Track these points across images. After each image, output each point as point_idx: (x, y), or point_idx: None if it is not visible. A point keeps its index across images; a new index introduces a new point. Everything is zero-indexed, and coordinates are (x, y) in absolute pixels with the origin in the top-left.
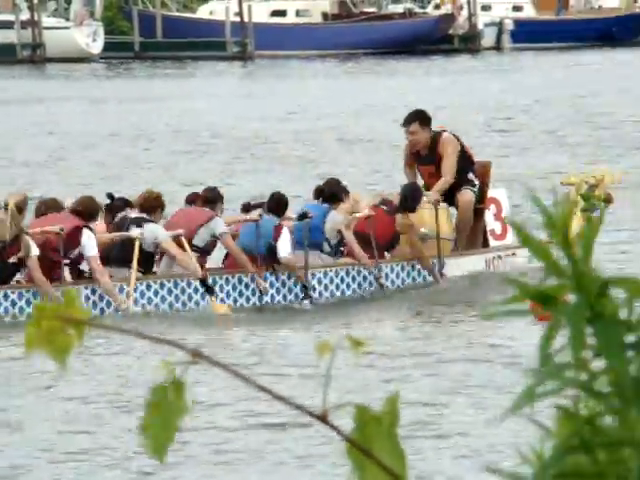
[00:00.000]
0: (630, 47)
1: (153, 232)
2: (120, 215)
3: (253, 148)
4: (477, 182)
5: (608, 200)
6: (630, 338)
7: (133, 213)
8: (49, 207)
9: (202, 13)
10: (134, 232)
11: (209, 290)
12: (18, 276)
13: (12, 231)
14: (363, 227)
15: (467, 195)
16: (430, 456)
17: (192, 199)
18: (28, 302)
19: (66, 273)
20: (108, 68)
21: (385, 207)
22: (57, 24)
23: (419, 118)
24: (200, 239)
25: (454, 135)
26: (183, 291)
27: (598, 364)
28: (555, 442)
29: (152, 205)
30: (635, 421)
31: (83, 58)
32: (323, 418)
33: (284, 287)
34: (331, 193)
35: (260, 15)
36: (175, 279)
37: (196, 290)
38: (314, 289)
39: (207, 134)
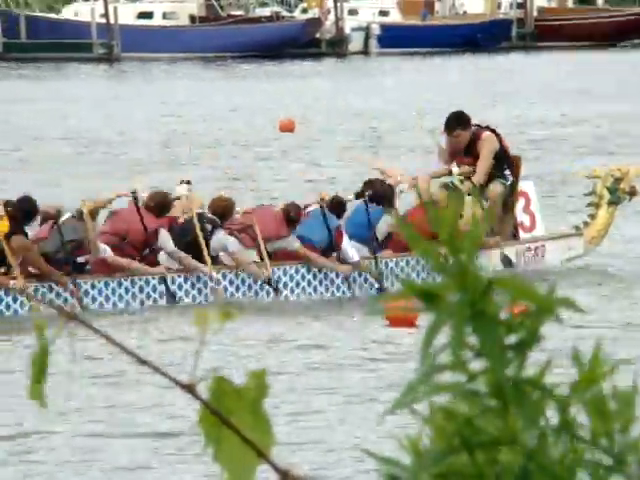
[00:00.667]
0: (494, 53)
1: (221, 242)
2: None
3: (115, 150)
4: (511, 178)
5: (632, 193)
6: (511, 339)
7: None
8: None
9: (67, 14)
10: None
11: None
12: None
13: (80, 234)
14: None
15: (497, 187)
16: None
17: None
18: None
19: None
20: None
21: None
22: None
23: (460, 123)
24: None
25: (493, 132)
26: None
27: (478, 364)
28: (434, 442)
29: (224, 212)
30: (514, 421)
31: None
32: (190, 388)
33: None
34: (381, 195)
35: (126, 17)
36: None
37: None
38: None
39: (68, 136)
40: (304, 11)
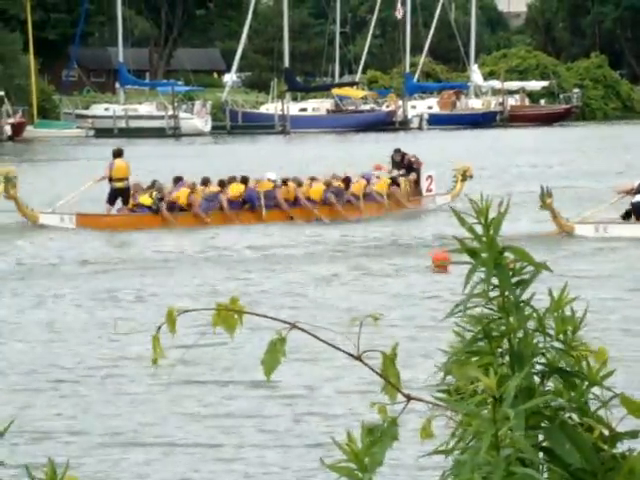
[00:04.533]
0: (487, 129)
1: None
2: None
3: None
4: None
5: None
6: (513, 279)
7: None
8: None
9: (263, 110)
10: None
11: None
12: None
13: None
14: None
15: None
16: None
17: None
18: None
19: None
20: (214, 139)
21: None
22: (187, 116)
23: None
24: None
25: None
26: None
27: (493, 293)
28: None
29: None
30: (513, 323)
31: (200, 133)
32: (359, 358)
33: None
34: None
35: (293, 110)
36: None
37: None
38: None
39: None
40: (387, 106)
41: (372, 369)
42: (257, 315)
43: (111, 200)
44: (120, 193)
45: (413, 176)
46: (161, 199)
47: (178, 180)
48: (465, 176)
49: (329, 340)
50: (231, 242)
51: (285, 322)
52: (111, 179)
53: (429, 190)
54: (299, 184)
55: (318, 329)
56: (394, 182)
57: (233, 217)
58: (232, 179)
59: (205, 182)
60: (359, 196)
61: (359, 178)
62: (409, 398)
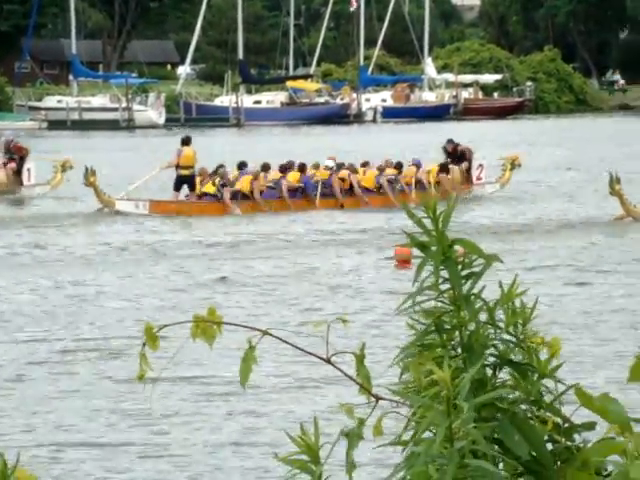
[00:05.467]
0: (441, 121)
1: None
2: None
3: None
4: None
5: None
6: (464, 272)
7: None
8: None
9: (217, 102)
10: None
11: None
12: None
13: None
14: None
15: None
16: None
17: None
18: None
19: None
20: (167, 131)
21: None
22: (141, 108)
23: None
24: None
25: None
26: None
27: (444, 286)
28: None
29: None
30: (464, 316)
31: (154, 126)
32: (328, 361)
33: None
34: None
35: (247, 103)
36: None
37: None
38: None
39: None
40: (342, 99)
41: (342, 372)
42: (232, 324)
43: (177, 187)
44: (186, 180)
45: (465, 165)
46: (224, 185)
47: (242, 166)
48: (514, 165)
49: (299, 340)
50: (289, 228)
51: (256, 329)
52: (177, 166)
53: (479, 178)
54: (354, 171)
55: (289, 331)
56: (443, 169)
57: (290, 204)
58: (291, 166)
59: (265, 168)
60: (411, 183)
61: (409, 164)
62: (377, 399)
